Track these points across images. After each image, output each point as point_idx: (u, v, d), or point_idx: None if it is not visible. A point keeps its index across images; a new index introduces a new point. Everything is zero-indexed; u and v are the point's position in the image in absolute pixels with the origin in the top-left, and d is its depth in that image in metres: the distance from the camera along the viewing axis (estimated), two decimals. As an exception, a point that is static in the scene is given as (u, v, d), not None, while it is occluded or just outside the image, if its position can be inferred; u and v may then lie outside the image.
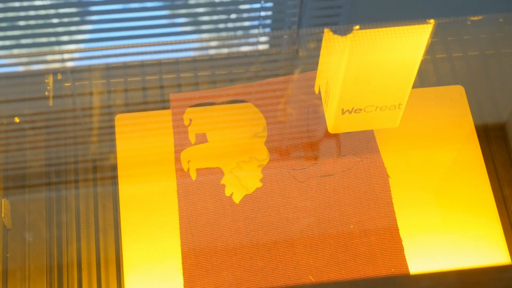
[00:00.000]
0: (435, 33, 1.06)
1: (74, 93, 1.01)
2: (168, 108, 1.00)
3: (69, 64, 0.89)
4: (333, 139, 0.98)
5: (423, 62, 1.04)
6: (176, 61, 1.03)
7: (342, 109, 0.84)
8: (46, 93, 0.99)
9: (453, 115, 1.00)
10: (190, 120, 0.99)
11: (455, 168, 0.96)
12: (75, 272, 0.91)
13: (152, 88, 1.02)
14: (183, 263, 0.90)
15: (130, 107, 1.00)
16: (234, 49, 0.97)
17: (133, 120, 0.98)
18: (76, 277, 0.91)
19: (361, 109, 0.84)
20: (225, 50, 0.98)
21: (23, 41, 0.73)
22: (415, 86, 0.86)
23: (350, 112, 0.85)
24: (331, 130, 0.88)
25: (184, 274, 0.89)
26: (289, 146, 0.97)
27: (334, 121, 0.86)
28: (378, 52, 0.75)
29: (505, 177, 0.98)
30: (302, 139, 0.98)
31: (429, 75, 1.05)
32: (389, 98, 0.83)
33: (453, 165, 0.97)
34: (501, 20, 1.05)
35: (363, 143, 0.98)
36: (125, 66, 1.03)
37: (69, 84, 1.01)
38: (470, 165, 0.97)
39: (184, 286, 0.89)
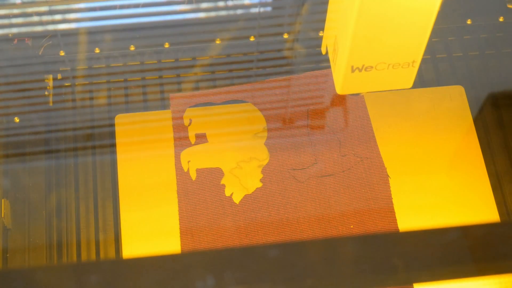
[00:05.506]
0: (435, 33, 1.06)
1: (74, 93, 1.01)
2: (168, 108, 1.00)
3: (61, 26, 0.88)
4: (334, 139, 0.98)
5: (423, 62, 1.04)
6: (176, 61, 1.03)
7: (352, 67, 0.78)
8: (46, 93, 0.99)
9: (453, 115, 1.00)
10: (190, 120, 0.99)
11: (455, 168, 0.96)
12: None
13: (152, 88, 1.02)
14: (183, 263, 0.90)
15: (130, 107, 1.00)
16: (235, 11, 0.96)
17: (133, 120, 0.98)
18: (76, 277, 0.91)
19: (372, 67, 0.78)
20: (230, 2, 0.97)
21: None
22: (415, 86, 0.85)
23: (360, 70, 0.78)
24: (339, 91, 0.82)
25: (184, 274, 0.89)
26: (289, 146, 0.97)
27: (343, 81, 0.80)
28: (391, 1, 0.70)
29: (505, 177, 0.98)
30: (302, 139, 0.98)
31: (429, 75, 1.05)
32: (403, 53, 0.77)
33: (453, 165, 0.96)
34: (501, 19, 1.05)
35: (363, 143, 0.98)
36: (125, 66, 1.03)
37: (69, 84, 1.01)
38: (470, 165, 0.97)
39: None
